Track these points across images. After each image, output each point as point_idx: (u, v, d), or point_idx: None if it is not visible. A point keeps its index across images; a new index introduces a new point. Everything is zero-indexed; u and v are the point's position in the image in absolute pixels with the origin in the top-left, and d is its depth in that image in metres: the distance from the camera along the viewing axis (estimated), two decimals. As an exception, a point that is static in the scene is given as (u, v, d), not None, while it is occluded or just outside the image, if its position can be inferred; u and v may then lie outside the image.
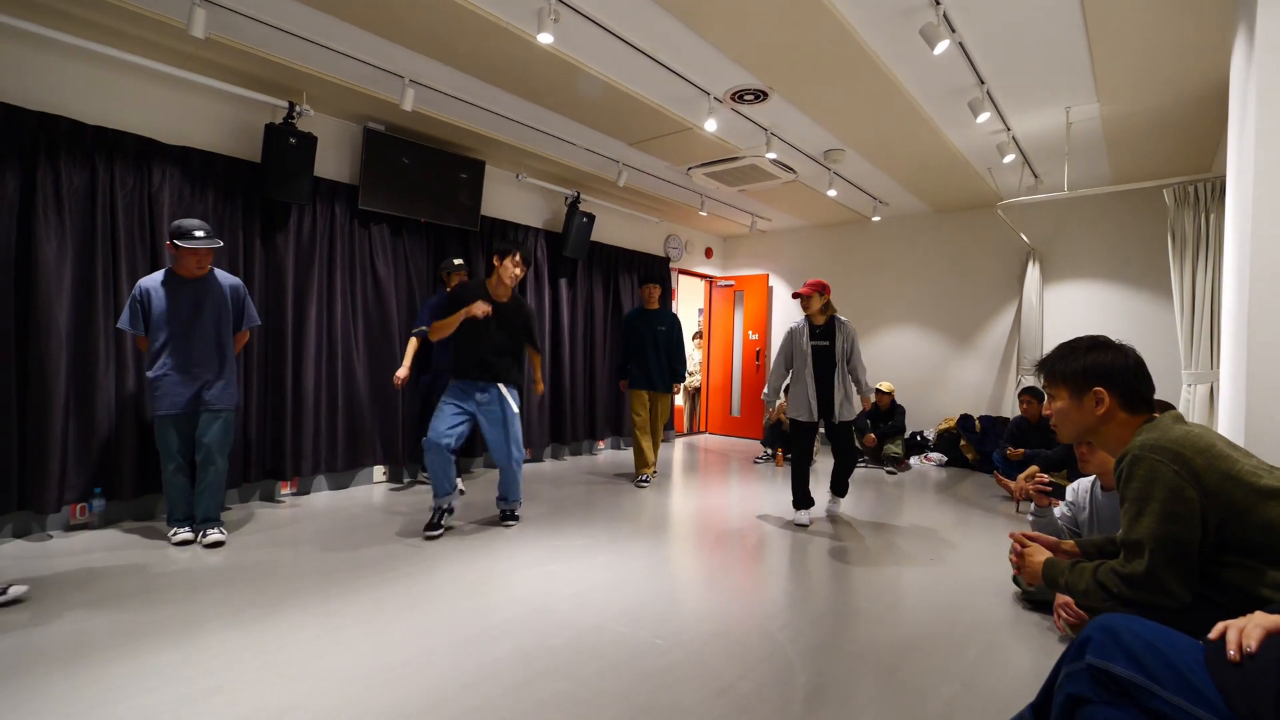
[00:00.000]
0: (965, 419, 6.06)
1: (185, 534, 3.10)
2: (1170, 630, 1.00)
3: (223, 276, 3.21)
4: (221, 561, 2.88)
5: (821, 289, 3.79)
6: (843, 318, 3.88)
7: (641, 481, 4.87)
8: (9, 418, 3.03)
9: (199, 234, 2.99)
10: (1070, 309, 5.89)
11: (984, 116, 3.75)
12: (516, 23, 3.04)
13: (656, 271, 7.10)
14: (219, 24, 3.08)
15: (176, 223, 3.01)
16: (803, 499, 3.87)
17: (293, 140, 3.79)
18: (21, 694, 1.76)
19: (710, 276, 8.17)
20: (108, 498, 3.35)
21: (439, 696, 1.81)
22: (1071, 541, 1.56)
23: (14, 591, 2.33)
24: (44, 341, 3.11)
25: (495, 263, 3.41)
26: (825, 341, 3.80)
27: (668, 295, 7.26)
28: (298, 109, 3.87)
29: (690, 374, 8.30)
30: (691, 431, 8.17)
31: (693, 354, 8.36)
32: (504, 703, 1.78)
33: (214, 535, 3.08)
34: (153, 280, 3.06)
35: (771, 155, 4.65)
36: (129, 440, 3.39)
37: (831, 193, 5.54)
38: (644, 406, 4.92)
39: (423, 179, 4.61)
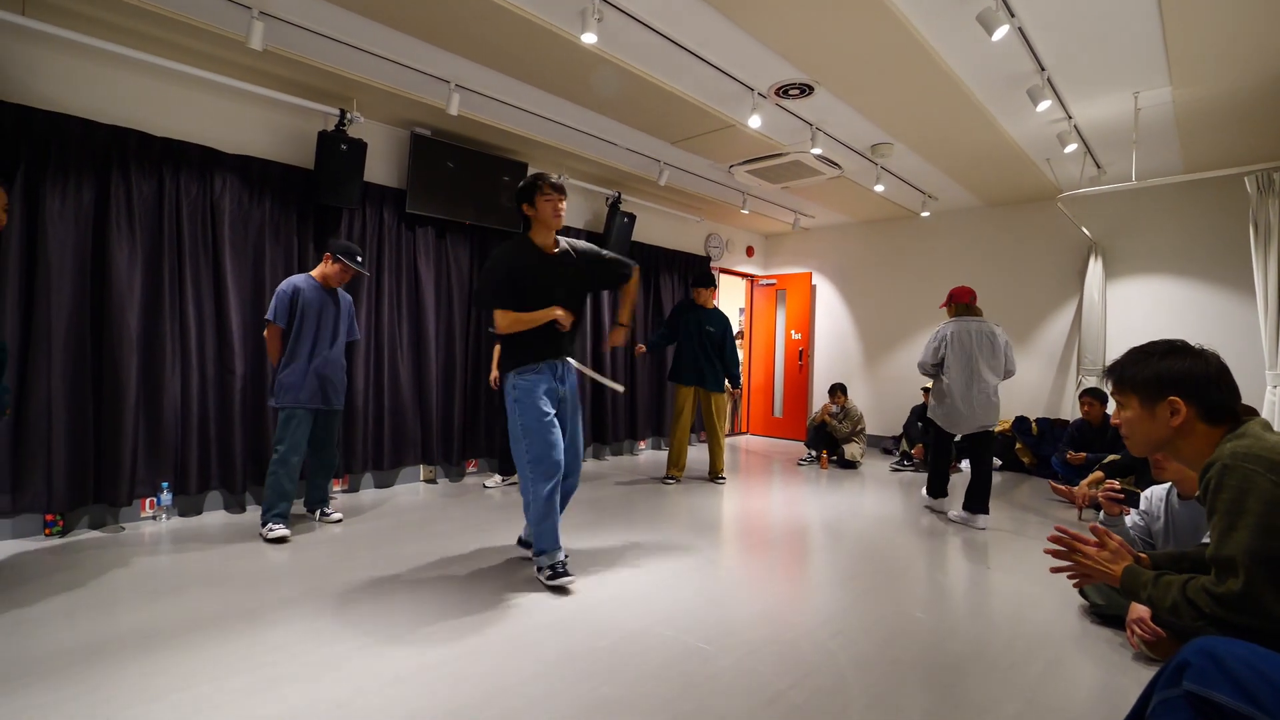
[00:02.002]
0: (1021, 421, 5.81)
1: (282, 531, 3.17)
2: (1278, 655, 0.91)
3: (343, 290, 3.54)
4: (280, 555, 2.97)
5: (951, 299, 4.09)
6: (944, 324, 4.10)
7: (665, 480, 4.90)
8: (85, 416, 3.21)
9: (359, 259, 3.39)
10: (1136, 306, 5.58)
11: (1044, 105, 3.57)
12: (560, 24, 3.05)
13: (707, 274, 7.04)
14: (276, 36, 3.19)
15: (344, 242, 3.39)
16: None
17: (344, 147, 3.90)
18: (97, 679, 1.85)
19: (751, 275, 8.07)
20: (174, 493, 3.51)
21: (484, 696, 1.81)
22: (1145, 555, 1.45)
23: None
24: (116, 345, 3.28)
25: (527, 210, 2.67)
26: None
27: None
28: (349, 116, 3.98)
29: None
30: (733, 433, 8.08)
31: None
32: (549, 705, 1.77)
33: (337, 515, 3.58)
34: (301, 281, 3.32)
35: (816, 151, 4.55)
36: (193, 439, 3.55)
37: (879, 188, 5.38)
38: (688, 404, 4.91)
39: (467, 182, 4.69)
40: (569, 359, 2.74)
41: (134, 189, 3.34)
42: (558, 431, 2.62)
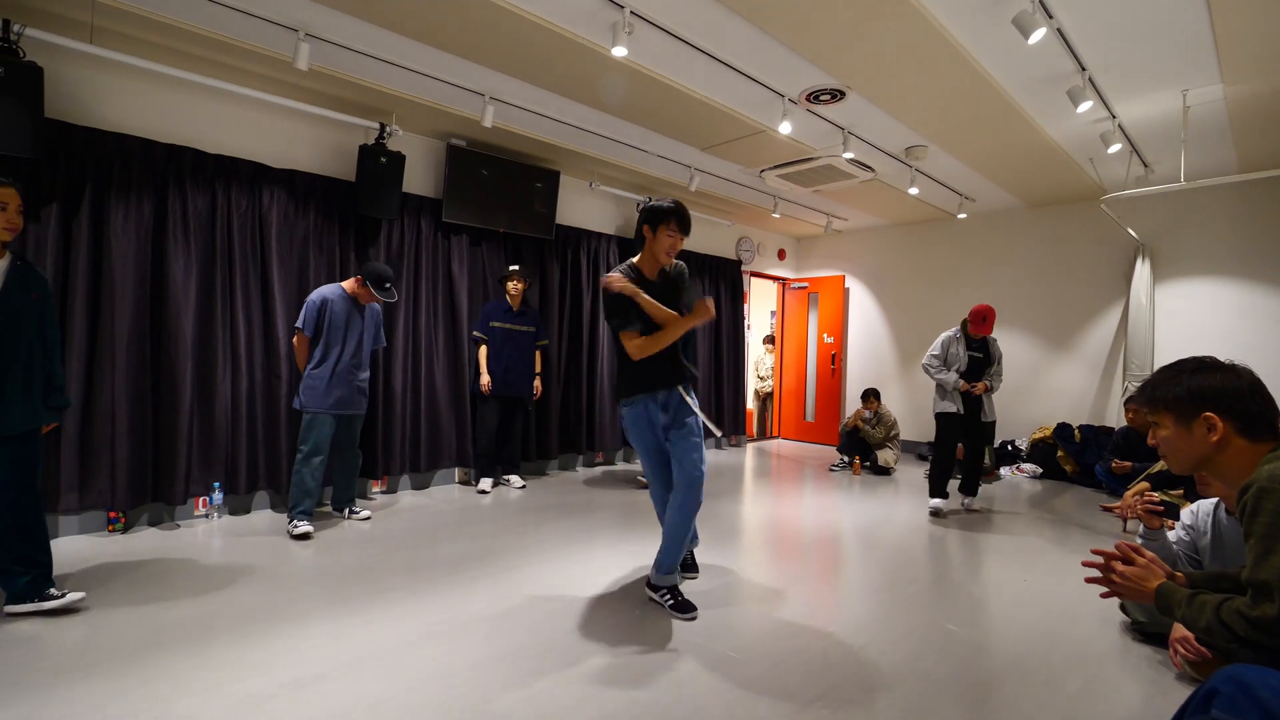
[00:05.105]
0: (1063, 428, 5.65)
1: (306, 527, 3.34)
2: (1313, 686, 0.89)
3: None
4: (325, 555, 3.10)
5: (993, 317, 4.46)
6: (993, 336, 4.48)
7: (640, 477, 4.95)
8: (145, 418, 3.40)
9: (388, 286, 3.54)
10: (1187, 310, 5.36)
11: (1085, 105, 3.48)
12: (592, 37, 3.11)
13: (725, 276, 7.04)
14: (320, 56, 3.32)
15: (376, 267, 3.51)
16: (939, 489, 4.33)
17: (383, 159, 4.04)
18: (153, 670, 1.97)
19: (783, 279, 8.01)
20: (224, 492, 3.68)
21: (516, 698, 1.87)
22: (1182, 574, 1.42)
23: (70, 598, 2.36)
24: (173, 351, 3.46)
25: (646, 232, 2.55)
26: (980, 353, 4.39)
27: (739, 299, 7.17)
28: (388, 129, 4.12)
29: (762, 379, 8.16)
30: (764, 437, 8.04)
31: (764, 359, 8.22)
32: (578, 708, 1.82)
33: (365, 512, 3.78)
34: (331, 292, 3.50)
35: (848, 155, 4.51)
36: (243, 441, 3.72)
37: (913, 190, 5.30)
38: None
39: (501, 190, 4.79)
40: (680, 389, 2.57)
41: (189, 203, 3.53)
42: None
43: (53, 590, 2.34)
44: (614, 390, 2.63)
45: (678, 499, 2.51)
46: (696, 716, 1.79)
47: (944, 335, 4.43)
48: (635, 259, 2.61)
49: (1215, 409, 1.28)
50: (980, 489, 5.14)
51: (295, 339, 3.54)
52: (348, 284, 3.57)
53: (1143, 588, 1.34)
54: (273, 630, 2.26)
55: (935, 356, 4.39)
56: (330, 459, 3.65)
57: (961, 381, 4.29)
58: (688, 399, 2.55)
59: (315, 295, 3.47)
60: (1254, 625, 1.10)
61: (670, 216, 2.50)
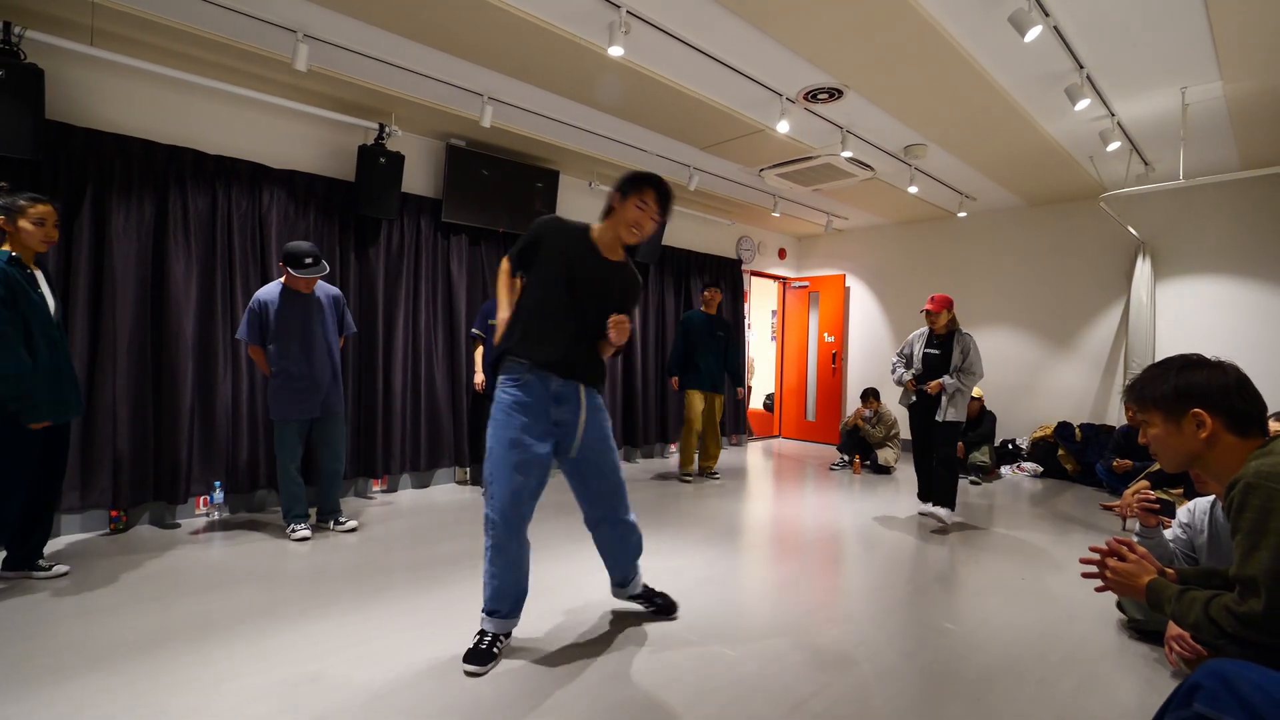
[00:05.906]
0: (1064, 427, 5.64)
1: (304, 531, 3.31)
2: (1295, 681, 0.89)
3: (323, 288, 3.43)
4: (324, 554, 3.11)
5: (949, 305, 4.14)
6: (965, 331, 4.12)
7: (685, 478, 5.14)
8: (146, 418, 3.41)
9: (308, 261, 3.22)
10: (1188, 308, 5.35)
11: (1083, 104, 3.47)
12: (589, 37, 3.11)
13: (725, 275, 7.04)
14: (319, 56, 3.34)
15: (292, 245, 3.23)
16: (924, 490, 4.21)
17: (383, 160, 4.05)
18: (151, 667, 1.98)
19: (784, 278, 8.01)
20: (226, 491, 3.70)
21: (511, 696, 1.88)
22: (1173, 570, 1.43)
23: (56, 569, 2.71)
24: (174, 351, 3.48)
25: (614, 201, 2.11)
26: (937, 351, 4.12)
27: (740, 298, 7.17)
28: (387, 130, 4.13)
29: None
30: (766, 436, 8.04)
31: None
32: (572, 707, 1.83)
33: (351, 523, 3.50)
34: (269, 293, 3.28)
35: (847, 154, 4.51)
36: (243, 440, 3.74)
37: (913, 189, 5.30)
38: (701, 407, 5.14)
39: (500, 190, 4.81)
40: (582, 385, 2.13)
41: (190, 204, 3.54)
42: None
43: (42, 562, 2.70)
44: (499, 349, 2.07)
45: (617, 518, 2.22)
46: (691, 713, 1.80)
47: (912, 334, 4.33)
48: (596, 225, 2.15)
49: (1203, 405, 1.29)
50: (981, 488, 5.14)
51: (248, 350, 3.36)
52: (283, 278, 3.30)
53: (1134, 583, 1.35)
54: (271, 628, 2.27)
55: (899, 354, 4.32)
56: (311, 464, 3.63)
57: (909, 380, 4.14)
58: (596, 401, 2.15)
59: (253, 299, 3.26)
60: (1241, 621, 1.10)
61: (647, 185, 2.04)
